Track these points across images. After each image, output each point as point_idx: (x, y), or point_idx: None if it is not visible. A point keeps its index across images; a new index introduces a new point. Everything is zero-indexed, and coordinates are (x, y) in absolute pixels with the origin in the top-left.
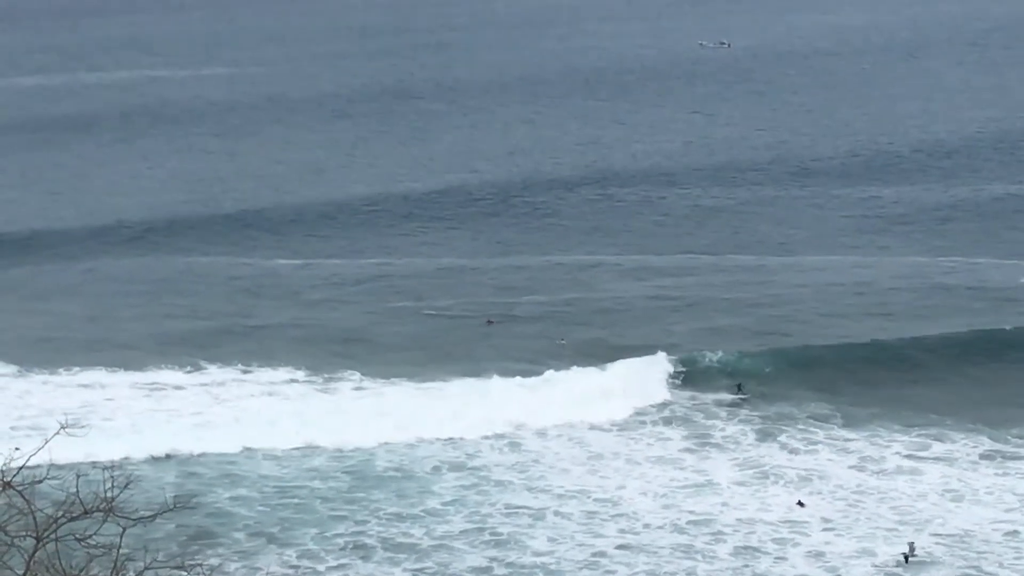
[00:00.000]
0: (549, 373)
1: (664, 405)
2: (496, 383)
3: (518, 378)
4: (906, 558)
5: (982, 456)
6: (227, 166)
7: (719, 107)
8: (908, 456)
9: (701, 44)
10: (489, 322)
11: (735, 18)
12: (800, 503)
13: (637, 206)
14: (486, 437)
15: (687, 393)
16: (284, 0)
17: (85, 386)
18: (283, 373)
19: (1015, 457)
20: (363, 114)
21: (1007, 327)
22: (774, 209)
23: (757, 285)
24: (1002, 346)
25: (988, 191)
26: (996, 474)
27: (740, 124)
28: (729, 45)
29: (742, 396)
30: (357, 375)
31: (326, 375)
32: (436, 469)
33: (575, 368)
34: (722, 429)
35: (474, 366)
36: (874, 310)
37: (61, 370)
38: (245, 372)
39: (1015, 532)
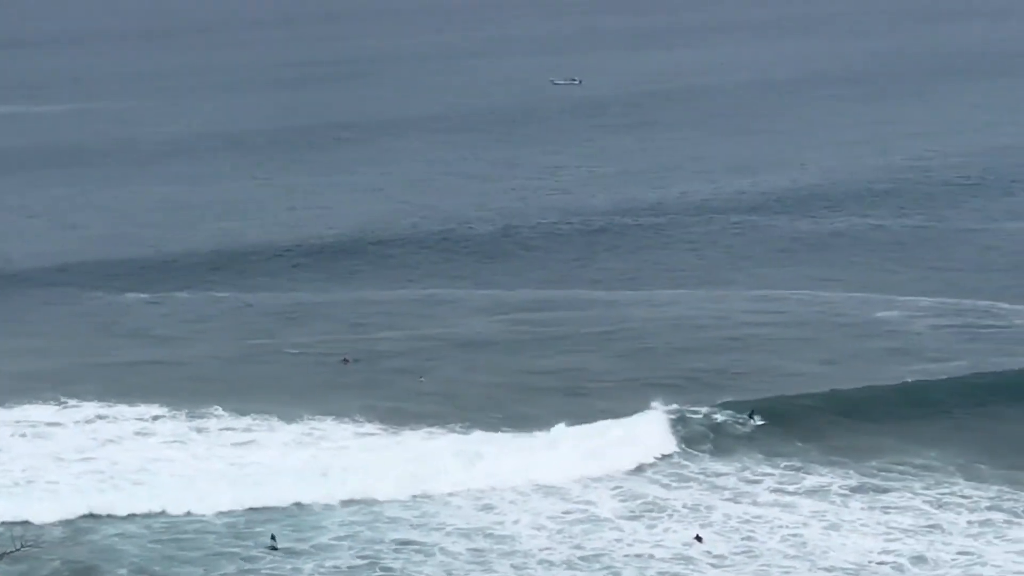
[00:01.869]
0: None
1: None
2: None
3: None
4: None
5: (853, 489)
6: (80, 201)
7: (572, 145)
8: (778, 490)
9: (553, 82)
10: (345, 360)
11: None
12: (698, 538)
13: (489, 244)
14: None
15: None
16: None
17: None
18: (145, 410)
19: (882, 490)
20: (224, 151)
21: (866, 361)
22: (622, 244)
23: (610, 319)
24: (864, 378)
25: (840, 224)
26: (869, 507)
27: (589, 162)
28: (580, 82)
29: (756, 423)
30: (220, 410)
31: (189, 411)
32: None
33: (434, 404)
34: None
35: (335, 406)
36: (731, 344)
37: None
38: (109, 409)
39: (900, 565)
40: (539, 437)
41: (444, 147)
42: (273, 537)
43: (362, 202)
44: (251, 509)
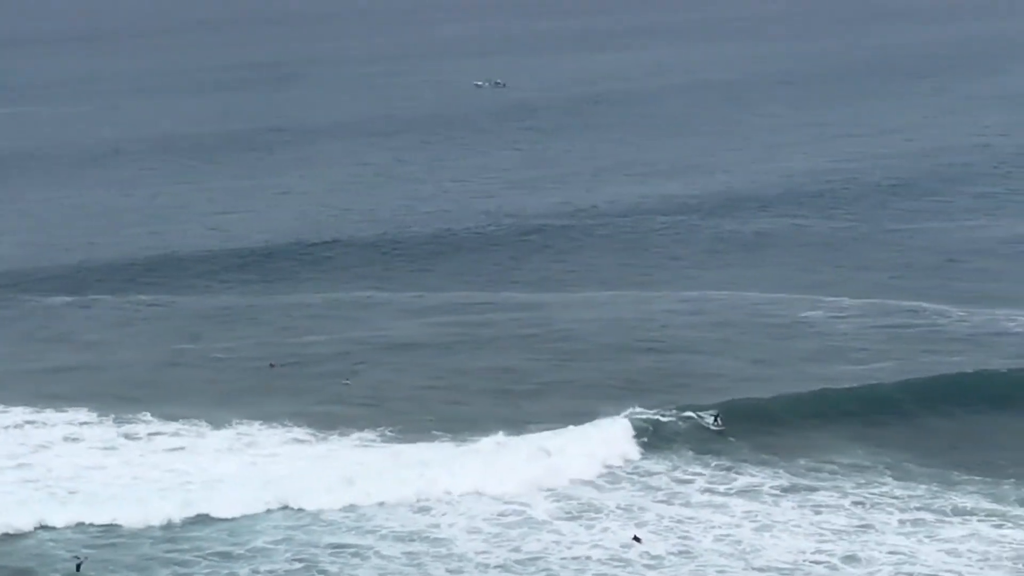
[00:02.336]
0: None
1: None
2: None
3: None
4: None
5: (784, 489)
6: (8, 207)
7: (498, 148)
8: (709, 490)
9: (477, 84)
10: (271, 365)
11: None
12: (636, 538)
13: (417, 247)
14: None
15: None
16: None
17: None
18: (73, 415)
19: (811, 489)
20: (154, 155)
21: (792, 362)
22: (552, 246)
23: (540, 321)
24: (791, 378)
25: (767, 224)
26: (800, 506)
27: (517, 165)
28: (505, 85)
29: (718, 428)
30: (149, 415)
31: (117, 417)
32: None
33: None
34: None
35: (263, 411)
36: (659, 346)
37: None
38: (37, 414)
39: (834, 565)
40: (474, 441)
41: (372, 151)
42: (79, 560)
43: (290, 206)
44: (186, 518)
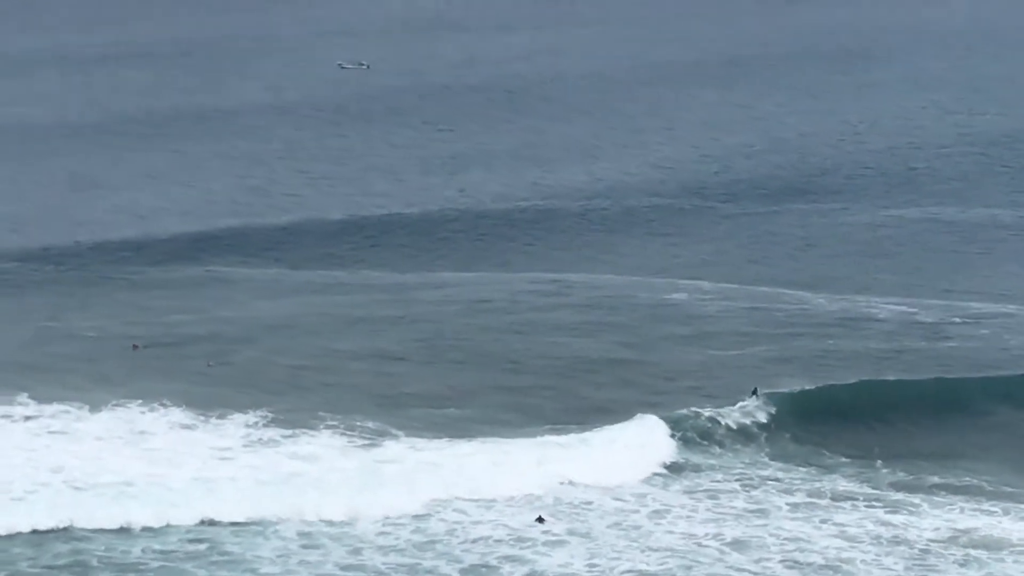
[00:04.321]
0: None
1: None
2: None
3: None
4: None
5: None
6: None
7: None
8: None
9: (340, 65)
10: (135, 347)
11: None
12: (539, 519)
13: (286, 233)
14: None
15: None
16: None
17: None
18: None
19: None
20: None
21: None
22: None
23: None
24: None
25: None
26: (690, 491)
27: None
28: (368, 67)
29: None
30: (25, 396)
31: None
32: None
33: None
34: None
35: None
36: (516, 327)
37: None
38: None
39: (721, 548)
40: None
41: (241, 135)
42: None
43: (154, 190)
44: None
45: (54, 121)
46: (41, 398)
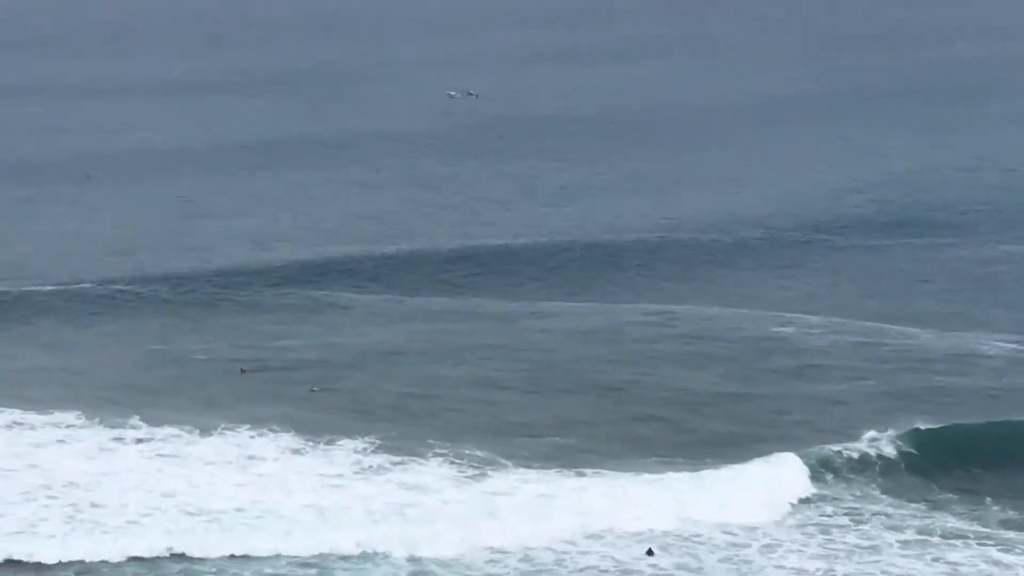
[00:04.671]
0: None
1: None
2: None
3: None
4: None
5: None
6: None
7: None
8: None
9: (449, 94)
10: (243, 371)
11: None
12: (650, 551)
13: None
14: None
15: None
16: None
17: None
18: (60, 417)
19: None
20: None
21: None
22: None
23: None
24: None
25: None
26: (796, 525)
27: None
28: (477, 96)
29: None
30: (138, 419)
31: (100, 420)
32: None
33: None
34: None
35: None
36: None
37: None
38: (24, 415)
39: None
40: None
41: (352, 162)
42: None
43: (266, 216)
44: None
45: (169, 147)
46: (152, 421)
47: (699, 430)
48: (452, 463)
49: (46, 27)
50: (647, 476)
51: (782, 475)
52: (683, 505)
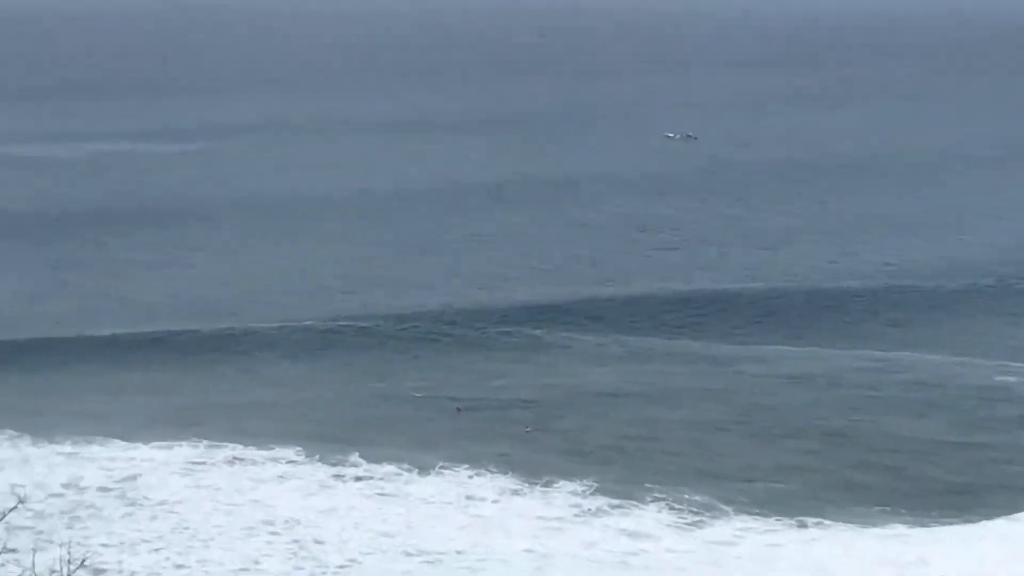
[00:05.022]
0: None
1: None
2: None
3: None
4: None
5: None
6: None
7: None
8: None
9: (668, 136)
10: (458, 410)
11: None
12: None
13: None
14: None
15: None
16: None
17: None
18: (280, 453)
19: None
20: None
21: None
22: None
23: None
24: None
25: None
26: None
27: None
28: (696, 138)
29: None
30: (357, 456)
31: (320, 456)
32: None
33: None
34: None
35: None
36: (841, 403)
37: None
38: (245, 451)
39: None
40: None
41: (573, 203)
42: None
43: (486, 256)
44: None
45: (391, 187)
46: (371, 458)
47: (923, 479)
48: (671, 508)
49: (275, 68)
50: (875, 530)
51: None
52: (928, 563)
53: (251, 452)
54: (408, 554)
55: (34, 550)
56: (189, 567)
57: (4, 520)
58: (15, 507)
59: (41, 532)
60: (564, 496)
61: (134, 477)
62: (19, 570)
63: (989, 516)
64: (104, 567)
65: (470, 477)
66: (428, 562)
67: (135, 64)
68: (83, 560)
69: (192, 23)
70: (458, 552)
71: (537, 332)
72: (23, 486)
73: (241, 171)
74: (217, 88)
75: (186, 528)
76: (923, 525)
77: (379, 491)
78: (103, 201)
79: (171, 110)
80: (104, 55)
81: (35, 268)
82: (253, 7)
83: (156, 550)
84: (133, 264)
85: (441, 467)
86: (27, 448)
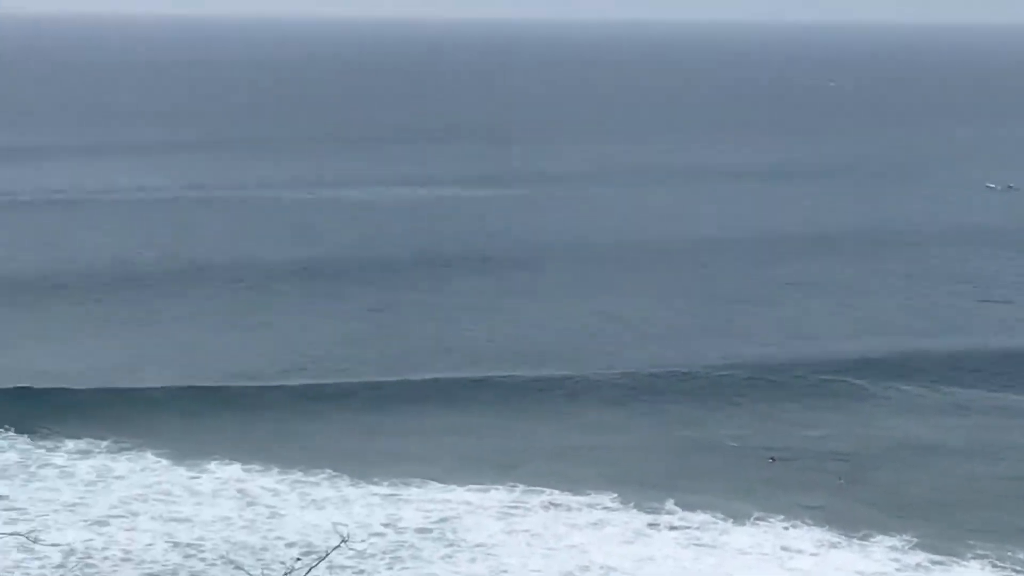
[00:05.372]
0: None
1: None
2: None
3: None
4: None
5: None
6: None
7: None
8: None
9: (988, 186)
10: (772, 459)
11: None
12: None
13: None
14: None
15: None
16: None
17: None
18: (596, 499)
19: None
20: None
21: None
22: None
23: None
24: None
25: None
26: None
27: None
28: (1019, 190)
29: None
30: (672, 503)
31: (635, 503)
32: None
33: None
34: None
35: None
36: None
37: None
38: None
39: None
40: None
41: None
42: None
43: (807, 309)
44: None
45: (711, 235)
46: (686, 506)
47: None
48: (994, 566)
49: (600, 116)
50: None
51: None
52: None
53: (567, 497)
54: None
55: None
56: None
57: (327, 559)
58: (338, 545)
59: (362, 572)
60: (883, 550)
61: (451, 519)
62: None
63: None
64: None
65: (785, 528)
66: None
67: (473, 111)
68: None
69: (526, 74)
70: None
71: (856, 382)
72: (345, 525)
73: (566, 217)
74: (546, 136)
75: (504, 572)
76: None
77: (695, 541)
78: (429, 245)
79: (501, 156)
80: (445, 103)
81: (360, 311)
82: (579, 57)
83: None
84: (457, 308)
85: (756, 518)
86: (346, 488)
